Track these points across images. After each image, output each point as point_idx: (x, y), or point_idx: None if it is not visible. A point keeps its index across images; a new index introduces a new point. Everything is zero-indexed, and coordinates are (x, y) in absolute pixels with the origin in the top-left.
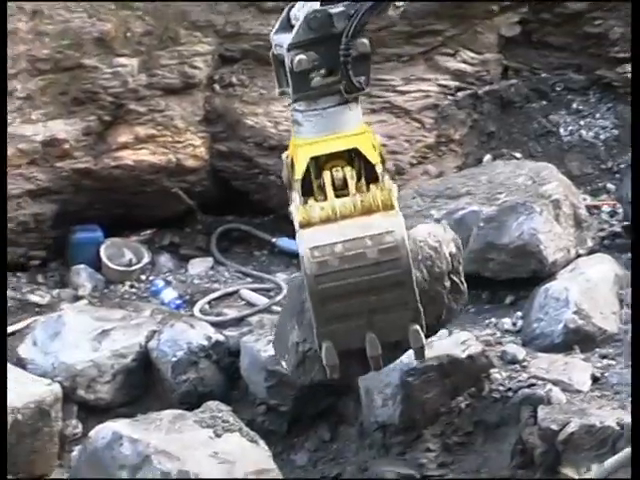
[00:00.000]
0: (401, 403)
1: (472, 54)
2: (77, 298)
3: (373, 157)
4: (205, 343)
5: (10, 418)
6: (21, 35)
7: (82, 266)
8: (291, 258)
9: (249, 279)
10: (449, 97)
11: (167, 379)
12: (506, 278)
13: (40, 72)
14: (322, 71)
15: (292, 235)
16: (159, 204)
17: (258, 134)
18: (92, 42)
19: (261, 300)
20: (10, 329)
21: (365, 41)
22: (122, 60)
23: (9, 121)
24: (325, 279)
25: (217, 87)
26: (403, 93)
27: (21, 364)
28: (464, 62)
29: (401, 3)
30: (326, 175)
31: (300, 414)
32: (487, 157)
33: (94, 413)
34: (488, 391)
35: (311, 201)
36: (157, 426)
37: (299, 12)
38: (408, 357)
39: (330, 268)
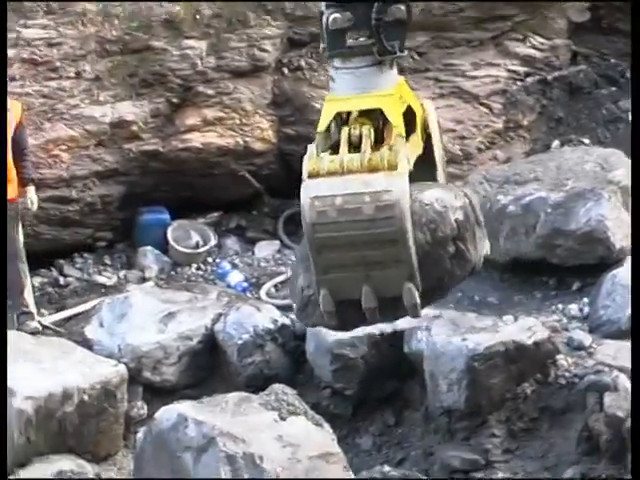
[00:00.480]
0: (466, 388)
1: (541, 39)
2: (144, 280)
3: (394, 119)
4: (271, 326)
5: (76, 398)
6: (90, 16)
7: (149, 248)
8: None
9: None
10: (518, 82)
11: (233, 362)
12: (573, 264)
13: (109, 54)
14: (358, 31)
15: None
16: (226, 187)
17: None
18: (161, 24)
19: None
20: (77, 310)
21: (401, 7)
22: (191, 42)
23: (77, 102)
24: (323, 228)
25: (285, 70)
26: (472, 78)
27: (87, 345)
28: (533, 47)
29: None
30: (344, 131)
31: (365, 398)
32: (555, 143)
33: (159, 395)
34: (554, 377)
35: (324, 154)
36: (222, 408)
37: None
38: (474, 343)
39: (328, 218)
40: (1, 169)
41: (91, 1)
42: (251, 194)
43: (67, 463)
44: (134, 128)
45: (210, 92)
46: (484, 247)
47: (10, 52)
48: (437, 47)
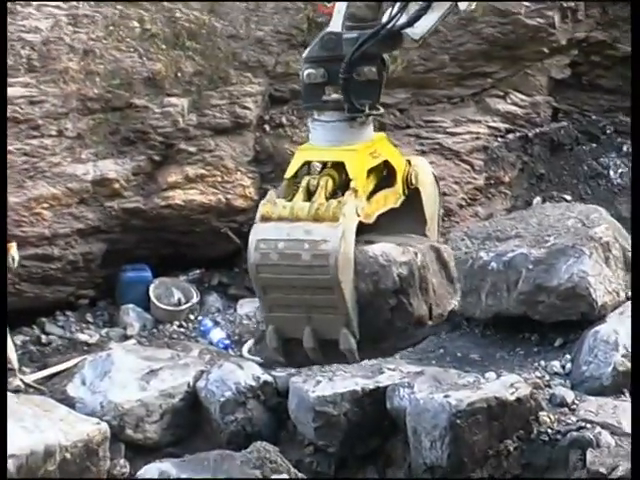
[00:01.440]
0: (449, 445)
1: (522, 96)
2: (126, 337)
3: (353, 173)
4: (253, 383)
5: (58, 457)
6: (72, 74)
7: (131, 305)
8: None
9: None
10: (499, 139)
11: (215, 419)
12: (555, 321)
13: (90, 111)
14: (332, 87)
15: None
16: (208, 244)
17: None
18: (142, 82)
19: None
20: (59, 368)
21: (372, 69)
22: (172, 100)
23: (59, 160)
24: (265, 269)
25: (267, 127)
26: (453, 135)
27: (69, 403)
28: (514, 104)
29: (418, 36)
30: (304, 180)
31: (348, 455)
32: (537, 199)
33: (142, 452)
34: (536, 434)
35: (280, 200)
36: (204, 466)
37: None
38: (456, 399)
39: (270, 261)
40: (1, 168)
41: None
42: (233, 251)
43: None
44: (116, 186)
45: (192, 149)
46: (450, 302)
47: None
48: (418, 104)
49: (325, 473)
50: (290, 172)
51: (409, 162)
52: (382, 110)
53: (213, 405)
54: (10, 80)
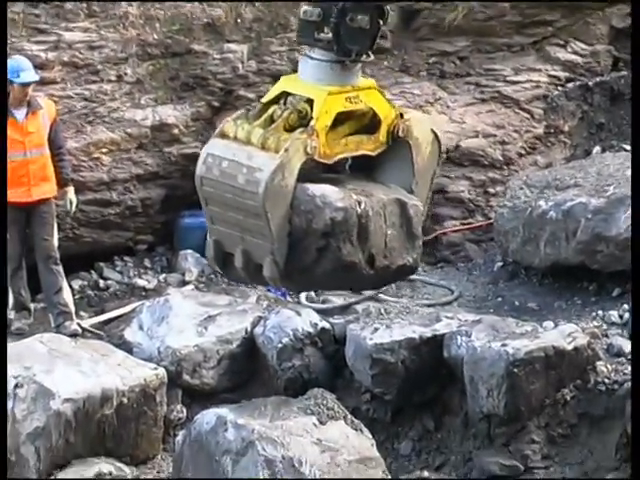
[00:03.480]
0: (506, 394)
1: (583, 45)
2: (184, 283)
3: (315, 112)
4: (311, 330)
5: (115, 401)
6: (132, 19)
7: (189, 251)
8: None
9: None
10: (559, 88)
11: (272, 365)
12: (613, 270)
13: (150, 57)
14: (326, 28)
15: None
16: None
17: None
18: (202, 28)
19: None
20: (117, 313)
21: (366, 17)
22: (232, 46)
23: (118, 105)
24: (207, 183)
25: (372, 56)
26: (513, 83)
27: (127, 348)
28: (575, 53)
29: None
30: (272, 108)
31: (404, 403)
32: (596, 149)
33: (198, 398)
34: (593, 383)
35: (243, 121)
36: (261, 412)
37: None
38: (514, 348)
39: (212, 175)
40: (1, 168)
41: (133, 0)
42: None
43: (105, 466)
44: (175, 131)
45: (251, 96)
46: (403, 257)
47: (51, 55)
48: (478, 52)
49: (381, 420)
50: (266, 98)
51: (402, 115)
52: (372, 57)
53: (270, 351)
54: (69, 25)
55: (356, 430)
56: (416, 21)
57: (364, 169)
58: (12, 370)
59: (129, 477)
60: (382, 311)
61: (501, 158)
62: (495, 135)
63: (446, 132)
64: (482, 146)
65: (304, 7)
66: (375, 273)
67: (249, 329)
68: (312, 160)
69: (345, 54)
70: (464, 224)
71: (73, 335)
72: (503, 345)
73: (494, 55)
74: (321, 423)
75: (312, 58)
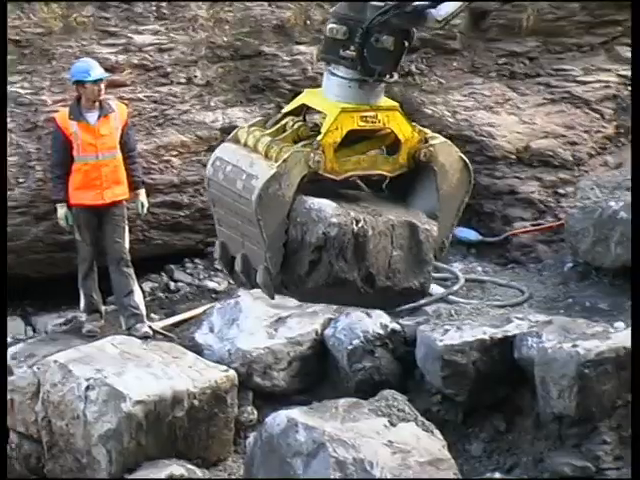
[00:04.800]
0: (577, 395)
1: None
2: None
3: (325, 127)
4: (381, 332)
5: (186, 403)
6: (201, 22)
7: None
8: (469, 248)
9: None
10: (629, 88)
11: (343, 367)
12: None
13: (220, 59)
14: (350, 46)
15: (469, 225)
16: None
17: (436, 123)
18: (271, 30)
19: (438, 289)
20: (187, 315)
21: (390, 39)
22: (301, 48)
23: (188, 108)
24: (213, 185)
25: (396, 76)
26: (583, 83)
27: (198, 350)
28: None
29: (441, 17)
30: (286, 119)
31: (475, 404)
32: None
33: (269, 400)
34: None
35: (255, 128)
36: (332, 414)
37: None
38: (585, 349)
39: (217, 178)
40: (1, 168)
41: (203, 0)
42: None
43: (177, 468)
44: None
45: None
46: (409, 280)
47: (121, 58)
48: (548, 52)
49: (452, 422)
50: (286, 109)
51: (426, 139)
52: (395, 78)
53: (341, 353)
54: (139, 28)
55: (427, 431)
56: (485, 22)
57: (398, 190)
58: (83, 372)
59: (200, 479)
60: (453, 312)
61: (571, 159)
62: (565, 136)
63: (516, 133)
64: (552, 147)
65: (330, 25)
66: (375, 293)
67: (319, 331)
68: (317, 174)
69: (368, 74)
70: (534, 225)
71: (144, 337)
72: (574, 346)
73: (564, 55)
74: (392, 425)
75: (333, 74)
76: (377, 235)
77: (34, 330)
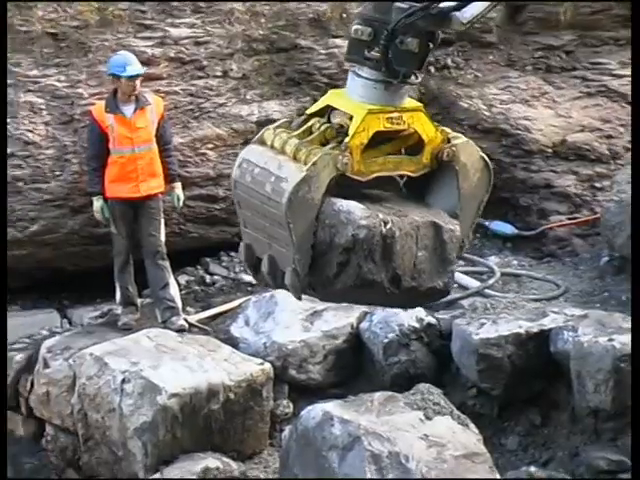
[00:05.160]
0: (613, 389)
1: None
2: None
3: (352, 129)
4: (417, 325)
5: (222, 396)
6: (237, 15)
7: None
8: (505, 241)
9: (462, 262)
10: None
11: (378, 360)
12: None
13: (255, 52)
14: (375, 47)
15: (505, 219)
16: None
17: (472, 116)
18: (308, 23)
19: (473, 283)
20: (223, 308)
21: (415, 41)
22: (337, 41)
23: (224, 101)
24: (240, 187)
25: (432, 69)
26: (619, 77)
27: (233, 343)
28: None
29: (466, 20)
30: (312, 120)
31: (511, 398)
32: None
33: (305, 393)
34: None
35: (282, 130)
36: (368, 407)
37: None
38: (621, 343)
39: (244, 180)
40: (1, 166)
41: (237, 0)
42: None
43: (213, 461)
44: None
45: None
46: (433, 280)
47: (157, 51)
48: (584, 45)
49: (488, 415)
50: (311, 110)
51: (448, 139)
52: (420, 79)
53: (376, 346)
54: (176, 21)
55: (463, 425)
56: (522, 15)
57: (418, 189)
58: (119, 365)
59: (236, 473)
60: (488, 306)
61: (607, 152)
62: (601, 129)
63: (552, 126)
64: (588, 140)
65: (355, 26)
66: (401, 293)
67: (355, 324)
68: (344, 176)
69: (392, 75)
70: (570, 219)
71: (180, 330)
72: (610, 340)
73: (600, 49)
74: (427, 418)
75: (359, 76)
76: (403, 236)
77: (70, 323)
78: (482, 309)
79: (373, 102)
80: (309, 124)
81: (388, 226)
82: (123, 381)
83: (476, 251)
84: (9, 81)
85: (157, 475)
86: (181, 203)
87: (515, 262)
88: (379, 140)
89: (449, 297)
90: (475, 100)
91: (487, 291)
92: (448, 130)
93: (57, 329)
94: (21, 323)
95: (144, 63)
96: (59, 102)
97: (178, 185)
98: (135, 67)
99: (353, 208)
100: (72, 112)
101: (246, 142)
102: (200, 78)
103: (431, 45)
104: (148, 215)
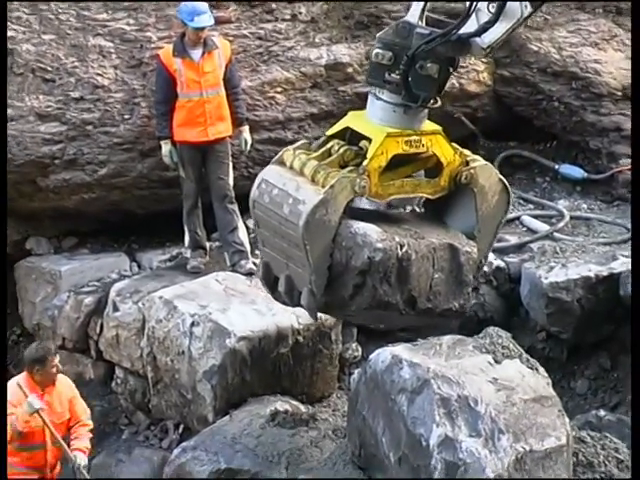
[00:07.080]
0: None
1: None
2: None
3: (370, 152)
4: (486, 269)
5: (291, 340)
6: None
7: None
8: (574, 185)
9: (531, 205)
10: None
11: None
12: None
13: None
14: (396, 71)
15: (574, 162)
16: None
17: (542, 59)
18: None
19: (542, 227)
20: None
21: (435, 66)
22: None
23: (293, 44)
24: (258, 207)
25: (440, 102)
26: None
27: None
28: None
29: (486, 45)
30: (331, 142)
31: (580, 342)
32: None
33: (373, 337)
34: None
35: (301, 151)
36: (437, 351)
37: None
38: None
39: (263, 201)
40: (1, 165)
41: None
42: (466, 136)
43: (281, 404)
44: (349, 70)
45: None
46: (449, 301)
47: None
48: None
49: (557, 359)
50: (331, 131)
51: (467, 162)
52: (439, 104)
53: None
54: None
55: (532, 369)
56: None
57: (436, 209)
58: (188, 308)
59: (305, 415)
60: (557, 250)
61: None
62: None
63: (622, 70)
64: None
65: (376, 50)
66: (416, 314)
67: None
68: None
69: (412, 99)
70: None
71: (249, 274)
72: None
73: None
74: (496, 362)
75: (378, 98)
76: (420, 259)
77: (139, 266)
78: (551, 253)
79: (392, 125)
80: (328, 146)
81: (404, 249)
82: (192, 324)
83: (545, 194)
84: (78, 25)
85: (226, 418)
86: (249, 147)
87: (584, 205)
88: (397, 162)
89: (518, 240)
90: (545, 43)
91: (556, 234)
92: (467, 152)
93: (126, 272)
94: (90, 266)
95: (213, 7)
96: (128, 45)
97: (246, 129)
98: (203, 18)
99: (369, 231)
100: (141, 56)
101: (315, 85)
102: (269, 22)
103: (451, 70)
104: (216, 159)
